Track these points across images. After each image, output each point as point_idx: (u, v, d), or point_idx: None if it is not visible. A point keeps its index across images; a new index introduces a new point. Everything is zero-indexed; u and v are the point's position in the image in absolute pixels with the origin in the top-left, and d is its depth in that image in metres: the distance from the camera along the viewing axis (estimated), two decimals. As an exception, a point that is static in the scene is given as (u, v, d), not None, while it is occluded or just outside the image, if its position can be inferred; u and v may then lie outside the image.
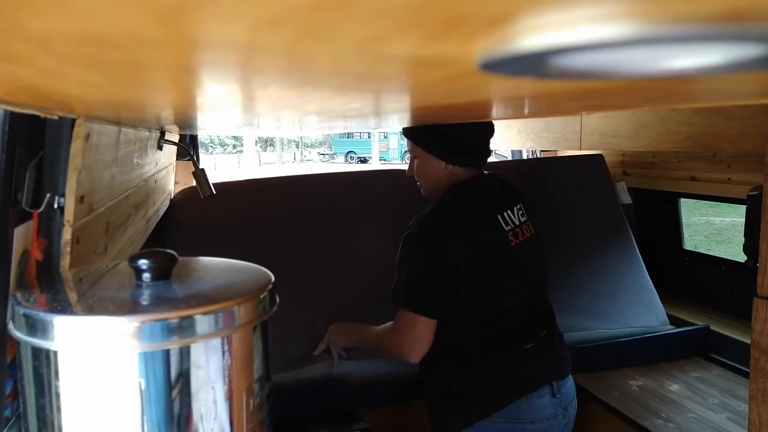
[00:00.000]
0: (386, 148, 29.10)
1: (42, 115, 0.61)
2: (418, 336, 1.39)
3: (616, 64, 0.19)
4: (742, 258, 2.06)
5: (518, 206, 1.55)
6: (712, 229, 8.31)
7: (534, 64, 0.18)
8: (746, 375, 1.16)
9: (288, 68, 0.23)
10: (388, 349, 1.47)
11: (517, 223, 1.52)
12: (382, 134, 28.25)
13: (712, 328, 2.10)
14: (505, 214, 1.51)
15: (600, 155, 2.29)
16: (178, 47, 0.18)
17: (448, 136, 1.52)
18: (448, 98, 0.34)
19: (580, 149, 2.02)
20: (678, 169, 2.18)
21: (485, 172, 1.61)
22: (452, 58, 0.18)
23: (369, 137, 27.86)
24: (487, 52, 0.18)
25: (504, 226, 1.48)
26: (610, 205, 2.27)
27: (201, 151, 2.40)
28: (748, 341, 1.09)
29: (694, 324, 2.16)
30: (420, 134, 1.56)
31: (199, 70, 0.23)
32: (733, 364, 1.96)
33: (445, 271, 1.40)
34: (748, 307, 1.07)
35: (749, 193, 1.56)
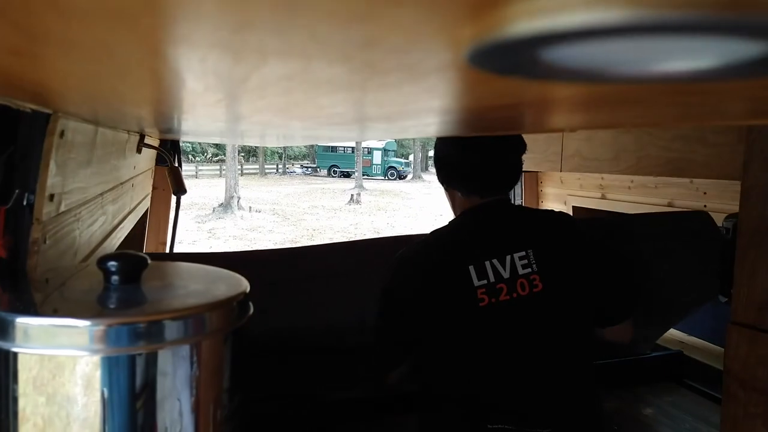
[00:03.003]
0: (369, 164, 29.22)
1: (14, 106, 0.59)
2: (388, 379, 1.32)
3: (608, 63, 0.18)
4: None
5: (521, 254, 1.20)
6: (687, 256, 8.42)
7: (525, 57, 0.18)
8: (719, 401, 1.17)
9: (267, 58, 0.22)
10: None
11: (506, 276, 1.18)
12: (366, 150, 28.38)
13: (685, 353, 2.11)
14: (486, 264, 1.18)
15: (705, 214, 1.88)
16: (149, 19, 0.17)
17: (441, 153, 1.32)
18: (437, 99, 0.34)
19: (561, 170, 2.04)
20: (655, 195, 2.22)
21: (506, 201, 1.30)
22: (441, 48, 0.18)
23: (353, 152, 27.94)
24: (476, 42, 0.17)
25: (474, 280, 1.17)
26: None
27: (183, 159, 2.37)
28: (720, 367, 1.10)
29: (667, 349, 2.17)
30: (435, 155, 1.36)
31: (175, 53, 0.22)
32: (705, 390, 1.98)
33: (405, 331, 1.24)
34: (722, 333, 1.08)
35: (724, 222, 1.59)
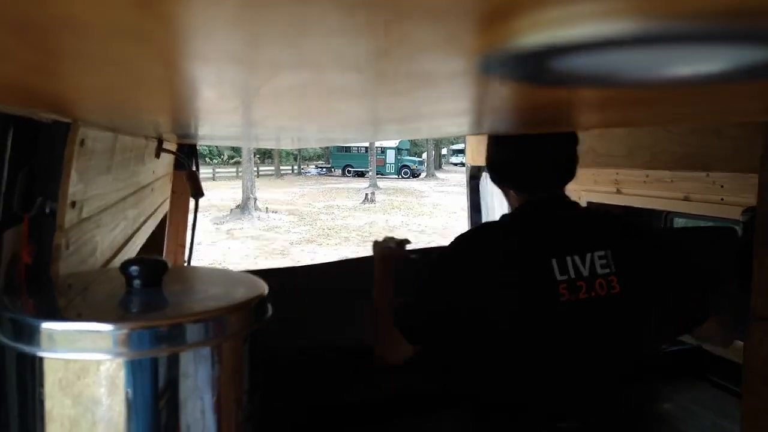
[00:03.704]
0: (383, 163, 29.24)
1: (35, 117, 0.61)
2: (394, 350, 1.25)
3: (615, 68, 0.19)
4: (735, 278, 2.05)
5: (601, 253, 1.18)
6: (707, 250, 8.29)
7: (535, 66, 0.18)
8: (740, 396, 1.15)
9: (280, 69, 0.22)
10: (373, 334, 1.31)
11: (585, 274, 1.16)
12: (380, 149, 28.38)
13: (705, 348, 2.09)
14: (568, 259, 1.16)
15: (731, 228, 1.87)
16: (159, 37, 0.18)
17: (488, 152, 1.31)
18: (448, 103, 0.34)
19: (576, 167, 2.01)
20: (671, 189, 2.19)
21: (569, 200, 1.28)
22: (452, 58, 0.18)
23: (366, 151, 27.95)
24: (487, 52, 0.17)
25: (557, 275, 1.14)
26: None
27: (200, 162, 2.39)
28: (741, 362, 1.08)
29: (686, 344, 2.15)
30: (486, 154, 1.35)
31: (190, 67, 0.23)
32: (726, 384, 1.95)
33: (449, 308, 1.18)
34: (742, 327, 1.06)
35: (743, 213, 1.56)
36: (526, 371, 1.17)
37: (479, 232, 1.27)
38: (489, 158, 1.31)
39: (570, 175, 1.27)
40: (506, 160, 1.26)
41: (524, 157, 1.24)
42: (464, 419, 1.32)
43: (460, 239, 1.24)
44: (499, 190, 1.34)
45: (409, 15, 0.15)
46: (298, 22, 0.16)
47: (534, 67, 0.18)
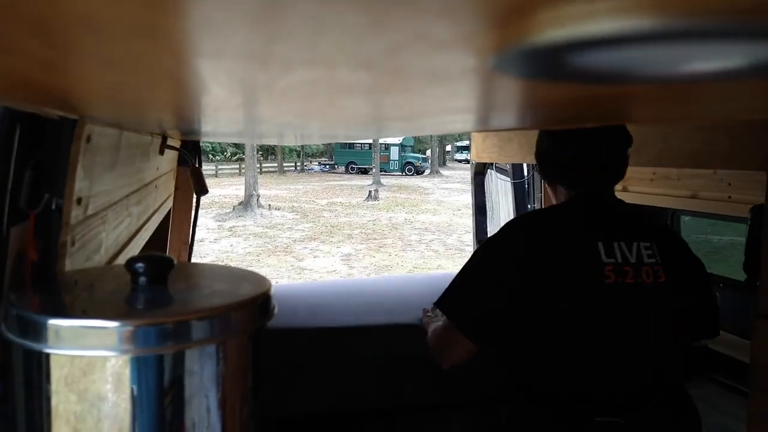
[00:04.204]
0: (387, 160, 29.25)
1: (41, 114, 0.60)
2: (451, 348, 1.23)
3: (631, 65, 0.18)
4: (741, 276, 2.05)
5: (647, 244, 1.20)
6: (711, 246, 8.29)
7: (549, 63, 0.18)
8: (746, 395, 1.14)
9: (293, 67, 0.22)
10: (429, 340, 1.31)
11: (632, 260, 1.17)
12: (383, 146, 28.38)
13: (710, 347, 2.08)
14: (614, 244, 1.17)
15: None
16: (172, 35, 0.18)
17: (540, 148, 1.33)
18: (458, 100, 0.34)
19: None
20: (678, 187, 2.18)
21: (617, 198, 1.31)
22: (466, 55, 0.18)
23: (370, 148, 27.95)
24: (504, 50, 0.17)
25: (603, 257, 1.15)
26: None
27: (202, 158, 2.39)
28: (747, 360, 1.08)
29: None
30: (536, 151, 1.37)
31: (203, 65, 0.23)
32: (732, 383, 1.95)
33: (500, 291, 1.17)
34: (747, 326, 1.06)
35: (750, 211, 1.56)
36: (568, 353, 1.16)
37: (525, 218, 1.34)
38: (541, 153, 1.33)
39: (621, 175, 1.29)
40: (560, 157, 1.28)
41: (579, 155, 1.25)
42: (496, 414, 1.31)
43: (506, 225, 1.27)
44: (546, 184, 1.40)
45: (425, 11, 0.15)
46: (314, 19, 0.16)
47: (551, 64, 0.18)
